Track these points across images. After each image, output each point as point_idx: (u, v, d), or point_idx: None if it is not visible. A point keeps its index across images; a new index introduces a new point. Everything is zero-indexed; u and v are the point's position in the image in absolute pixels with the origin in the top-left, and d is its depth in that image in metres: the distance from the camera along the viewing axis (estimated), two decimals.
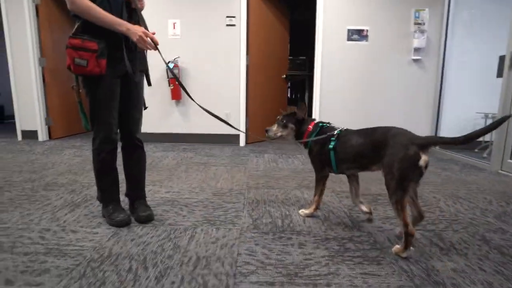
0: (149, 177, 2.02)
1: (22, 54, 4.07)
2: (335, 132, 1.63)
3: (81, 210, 1.84)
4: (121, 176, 1.73)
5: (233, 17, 3.95)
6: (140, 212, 1.69)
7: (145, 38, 1.45)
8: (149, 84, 1.69)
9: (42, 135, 4.22)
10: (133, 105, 1.65)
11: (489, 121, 3.59)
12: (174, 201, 2.01)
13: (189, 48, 4.01)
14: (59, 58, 4.38)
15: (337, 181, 2.50)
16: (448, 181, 2.59)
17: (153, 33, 1.51)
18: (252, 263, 1.31)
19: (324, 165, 1.70)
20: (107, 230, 1.59)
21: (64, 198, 2.04)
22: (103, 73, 1.45)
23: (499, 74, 3.30)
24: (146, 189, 1.84)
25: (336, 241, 1.53)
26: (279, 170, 2.88)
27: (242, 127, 4.03)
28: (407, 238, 1.34)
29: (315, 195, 1.79)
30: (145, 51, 1.63)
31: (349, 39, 3.98)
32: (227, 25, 3.98)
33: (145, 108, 1.74)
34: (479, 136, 1.26)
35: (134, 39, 1.44)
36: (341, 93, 4.05)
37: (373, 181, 2.52)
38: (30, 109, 4.17)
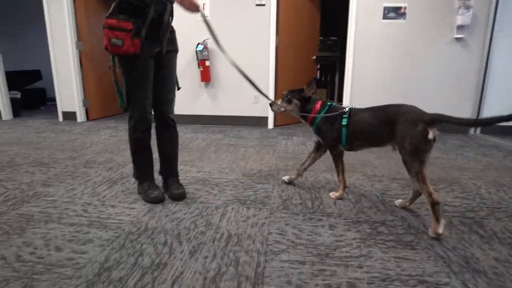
0: (180, 157, 2.08)
1: (61, 38, 4.25)
2: (346, 109, 1.68)
3: (118, 187, 1.94)
4: (155, 155, 1.78)
5: None
6: (174, 190, 1.75)
7: None
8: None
9: (81, 116, 4.45)
10: (166, 85, 1.68)
11: None
12: (205, 181, 2.06)
13: (218, 29, 3.93)
14: (95, 42, 4.53)
15: (368, 165, 2.43)
16: (490, 168, 2.44)
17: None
18: (282, 242, 1.33)
19: (337, 143, 1.73)
20: (142, 206, 1.66)
21: (103, 175, 2.15)
22: (138, 53, 1.48)
23: None
24: (178, 168, 1.90)
25: (368, 224, 1.50)
26: (308, 152, 2.84)
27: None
28: (434, 208, 1.36)
29: (338, 175, 1.81)
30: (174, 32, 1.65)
31: (385, 17, 3.75)
32: (257, 4, 3.89)
33: (179, 88, 1.77)
34: (493, 123, 1.26)
35: None
36: (375, 76, 3.87)
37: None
38: (69, 91, 4.39)
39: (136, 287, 1.05)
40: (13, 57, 5.72)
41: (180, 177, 1.90)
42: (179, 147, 1.90)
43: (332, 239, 1.36)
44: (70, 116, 4.47)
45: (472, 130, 3.80)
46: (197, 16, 3.95)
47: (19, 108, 4.97)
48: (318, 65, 5.62)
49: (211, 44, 3.99)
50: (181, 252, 1.25)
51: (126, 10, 1.45)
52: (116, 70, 1.56)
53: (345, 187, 1.81)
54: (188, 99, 4.20)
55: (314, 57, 4.53)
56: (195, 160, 2.55)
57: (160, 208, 1.65)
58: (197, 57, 4.00)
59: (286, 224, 1.49)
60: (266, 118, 4.12)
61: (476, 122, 1.24)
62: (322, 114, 1.74)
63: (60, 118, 4.49)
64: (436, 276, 1.12)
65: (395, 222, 1.53)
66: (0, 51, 4.44)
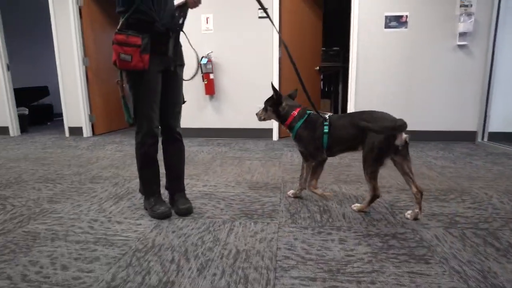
0: (186, 171, 2.07)
1: (68, 54, 4.33)
2: (327, 116, 1.77)
3: (124, 202, 1.93)
4: (161, 170, 1.78)
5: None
6: (180, 205, 1.73)
7: None
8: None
9: (87, 131, 4.49)
10: (173, 99, 1.69)
11: None
12: (211, 195, 2.05)
13: (222, 42, 4.03)
14: (101, 58, 4.61)
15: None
16: (501, 176, 2.39)
17: None
18: (292, 258, 1.30)
19: (320, 148, 1.79)
20: (149, 222, 1.65)
21: (109, 190, 2.15)
22: (146, 68, 1.49)
23: None
24: (184, 182, 1.88)
25: (378, 237, 1.47)
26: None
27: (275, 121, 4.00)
28: (373, 199, 1.69)
29: (312, 180, 1.87)
30: (181, 47, 1.67)
31: (386, 26, 3.78)
32: (259, 17, 3.94)
33: (184, 102, 1.78)
34: None
35: None
36: (379, 85, 3.87)
37: (414, 175, 2.38)
38: (75, 106, 4.44)
39: None
40: (21, 74, 5.83)
41: (186, 192, 1.89)
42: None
43: (342, 254, 1.33)
44: (76, 131, 4.51)
45: (479, 138, 3.75)
46: (201, 29, 4.01)
47: (27, 124, 5.03)
48: (321, 76, 5.64)
49: (214, 57, 4.04)
50: (189, 270, 1.23)
51: (135, 26, 1.47)
52: (124, 85, 1.57)
53: (302, 189, 1.97)
54: (193, 112, 4.22)
55: (318, 68, 4.56)
56: (201, 173, 2.54)
57: (167, 223, 1.63)
58: (201, 71, 4.04)
59: (295, 239, 1.46)
60: (271, 130, 4.12)
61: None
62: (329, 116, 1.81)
63: (67, 134, 4.53)
64: None
65: (407, 234, 1.49)
66: (9, 69, 4.53)
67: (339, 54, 5.56)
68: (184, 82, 1.75)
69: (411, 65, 3.79)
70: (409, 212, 1.69)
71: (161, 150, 1.77)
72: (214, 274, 1.19)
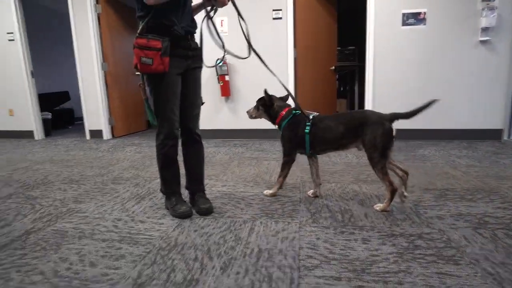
0: (204, 171, 2.10)
1: (88, 60, 4.46)
2: (310, 116, 1.83)
3: (146, 202, 1.96)
4: (182, 171, 1.80)
5: (280, 10, 3.91)
6: (201, 205, 1.75)
7: None
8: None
9: (106, 134, 4.60)
10: (191, 101, 1.71)
11: None
12: (231, 195, 2.05)
13: (237, 45, 4.03)
14: (118, 62, 4.72)
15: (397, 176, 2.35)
16: None
17: None
18: (315, 257, 1.29)
19: (295, 149, 1.88)
20: (171, 221, 1.67)
21: (130, 191, 2.19)
22: (167, 71, 1.51)
23: None
24: (204, 182, 1.90)
25: (403, 237, 1.43)
26: (333, 164, 2.79)
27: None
28: (393, 194, 1.68)
29: (280, 177, 1.96)
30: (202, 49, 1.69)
31: (404, 24, 3.70)
32: (274, 18, 3.95)
33: (202, 103, 1.79)
34: (420, 111, 1.66)
35: None
36: (396, 84, 3.79)
37: (438, 175, 2.32)
38: (95, 110, 4.57)
39: None
40: (44, 80, 6.05)
41: (206, 192, 1.90)
42: None
43: (367, 254, 1.30)
44: (96, 134, 4.63)
45: (505, 136, 3.62)
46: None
47: (50, 128, 5.21)
48: (337, 75, 5.59)
49: (230, 59, 4.06)
50: (212, 268, 1.23)
51: (155, 29, 1.50)
52: (146, 88, 1.60)
53: (280, 188, 2.00)
54: (209, 114, 4.26)
55: (333, 67, 4.52)
56: (219, 174, 2.55)
57: (189, 223, 1.64)
58: (217, 72, 4.08)
59: (317, 238, 1.44)
60: None
61: (413, 113, 1.67)
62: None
63: (88, 136, 4.66)
64: None
65: (433, 235, 1.45)
66: (33, 75, 4.71)
67: (355, 53, 5.50)
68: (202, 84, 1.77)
69: (431, 63, 3.70)
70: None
71: (181, 152, 1.79)
72: (238, 273, 1.20)
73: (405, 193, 1.80)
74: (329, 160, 2.92)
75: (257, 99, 2.06)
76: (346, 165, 2.75)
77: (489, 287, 1.07)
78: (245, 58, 1.74)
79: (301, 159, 2.97)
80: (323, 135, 1.79)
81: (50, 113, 5.25)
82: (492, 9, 3.48)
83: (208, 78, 4.11)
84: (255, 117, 2.06)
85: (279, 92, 2.12)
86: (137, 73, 1.60)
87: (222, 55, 4.14)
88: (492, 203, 1.80)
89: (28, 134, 4.83)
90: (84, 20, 4.37)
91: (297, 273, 1.19)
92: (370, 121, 1.66)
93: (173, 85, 1.59)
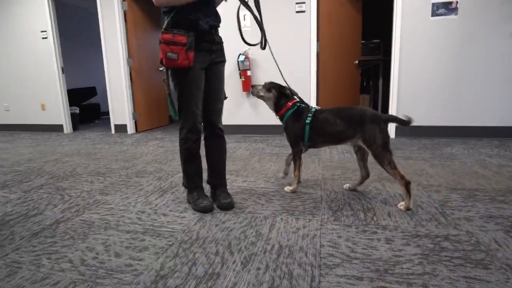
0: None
1: (114, 56, 4.60)
2: (312, 109, 1.87)
3: (168, 196, 2.01)
4: (204, 166, 1.82)
5: (303, 2, 3.84)
6: (222, 199, 1.77)
7: None
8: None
9: (130, 129, 4.74)
10: (215, 96, 1.72)
11: None
12: (251, 190, 2.06)
13: (259, 39, 4.03)
14: (143, 58, 4.83)
15: (423, 174, 2.27)
16: None
17: None
18: (336, 256, 1.27)
19: (299, 140, 1.91)
20: (192, 215, 1.70)
21: (154, 184, 2.25)
22: (191, 65, 1.53)
23: None
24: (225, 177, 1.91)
25: (429, 238, 1.38)
26: (355, 161, 2.73)
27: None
28: (408, 187, 1.65)
29: (295, 170, 1.97)
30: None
31: (433, 14, 3.53)
32: (297, 11, 3.89)
33: (225, 98, 1.80)
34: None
35: None
36: (424, 79, 3.65)
37: (466, 174, 2.22)
38: (120, 105, 4.71)
39: None
40: (72, 76, 6.31)
41: (227, 187, 1.92)
42: None
43: (390, 254, 1.27)
44: (121, 128, 4.78)
45: None
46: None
47: (78, 122, 5.43)
48: (361, 70, 5.44)
49: (251, 53, 4.06)
50: (233, 263, 1.24)
51: (180, 25, 1.51)
52: (170, 83, 1.63)
53: (299, 182, 2.01)
54: (230, 109, 4.28)
55: (357, 62, 4.40)
56: (240, 169, 2.57)
57: (210, 217, 1.67)
58: (239, 68, 4.09)
59: (339, 237, 1.42)
60: None
61: (410, 120, 1.64)
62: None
63: (113, 131, 4.82)
64: None
65: (460, 237, 1.39)
66: (63, 71, 4.91)
67: (380, 46, 5.33)
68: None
69: (462, 56, 3.52)
70: (347, 185, 2.02)
71: (203, 146, 1.81)
72: (258, 268, 1.20)
73: (352, 187, 1.98)
74: (351, 157, 2.86)
75: (269, 81, 2.05)
76: (368, 163, 2.68)
77: None
78: (256, 44, 1.80)
79: (323, 156, 2.93)
80: (323, 127, 1.83)
81: (78, 108, 5.47)
82: None
83: (230, 73, 4.13)
84: (260, 96, 2.02)
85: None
86: (160, 68, 1.63)
87: (244, 50, 4.11)
88: None
89: (58, 128, 5.06)
90: (111, 17, 4.50)
91: (318, 271, 1.18)
92: (368, 119, 1.70)
93: (197, 79, 1.61)
